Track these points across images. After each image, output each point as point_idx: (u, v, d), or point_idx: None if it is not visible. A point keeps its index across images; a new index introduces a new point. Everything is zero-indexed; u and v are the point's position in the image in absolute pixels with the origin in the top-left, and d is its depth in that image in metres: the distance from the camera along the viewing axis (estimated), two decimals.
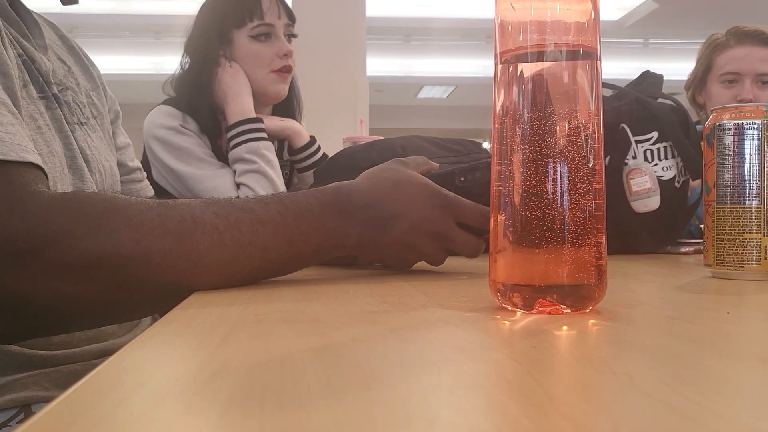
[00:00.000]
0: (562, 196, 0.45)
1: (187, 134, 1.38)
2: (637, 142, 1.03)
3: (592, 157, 0.46)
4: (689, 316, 0.48)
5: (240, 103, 1.38)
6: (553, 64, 0.47)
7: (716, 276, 0.69)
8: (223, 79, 1.39)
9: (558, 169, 0.45)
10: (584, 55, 0.47)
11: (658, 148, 1.03)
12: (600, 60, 0.48)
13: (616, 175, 1.01)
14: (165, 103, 1.43)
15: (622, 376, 0.30)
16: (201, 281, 0.58)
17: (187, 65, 1.45)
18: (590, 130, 0.46)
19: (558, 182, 0.45)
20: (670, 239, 1.07)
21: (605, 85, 1.12)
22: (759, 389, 0.28)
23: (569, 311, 0.45)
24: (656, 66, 1.80)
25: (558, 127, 0.46)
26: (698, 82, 1.70)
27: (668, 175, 1.03)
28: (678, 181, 1.04)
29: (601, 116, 0.48)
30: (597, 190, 0.46)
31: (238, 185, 1.35)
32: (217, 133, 1.43)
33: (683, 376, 0.30)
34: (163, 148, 1.37)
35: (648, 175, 1.00)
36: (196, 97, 1.40)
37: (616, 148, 1.02)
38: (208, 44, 1.41)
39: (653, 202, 1.00)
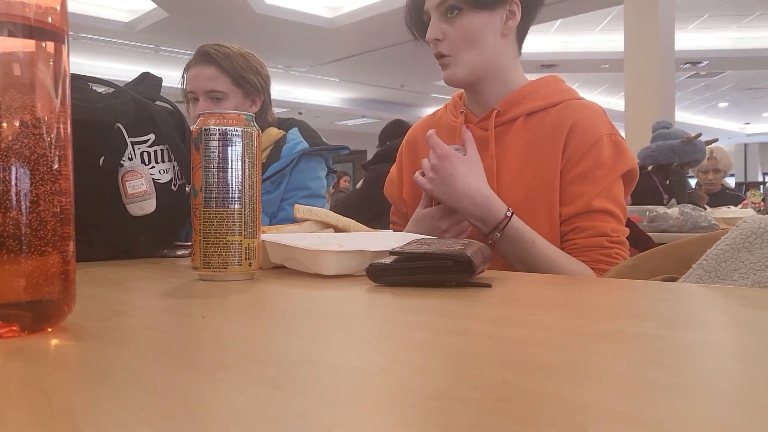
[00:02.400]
0: (7, 199, 0.38)
1: None
2: (133, 143, 0.99)
3: (56, 156, 0.40)
4: (166, 326, 0.46)
5: None
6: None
7: (203, 278, 0.69)
8: None
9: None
10: (45, 35, 0.41)
11: (155, 151, 1.02)
12: (67, 46, 0.43)
13: (111, 176, 0.96)
14: None
15: (60, 413, 0.25)
16: None
17: None
18: (54, 125, 0.40)
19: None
20: (166, 243, 1.06)
21: (101, 81, 1.06)
22: (207, 399, 0.27)
23: (27, 332, 0.39)
24: (168, 74, 1.79)
25: (5, 120, 0.38)
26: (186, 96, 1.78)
27: (165, 178, 1.02)
28: (175, 185, 1.04)
29: (69, 112, 0.42)
30: (62, 193, 0.41)
31: None
32: None
33: (147, 401, 0.27)
34: None
35: (144, 178, 0.98)
36: None
37: (112, 148, 0.97)
38: None
39: (149, 206, 0.97)
